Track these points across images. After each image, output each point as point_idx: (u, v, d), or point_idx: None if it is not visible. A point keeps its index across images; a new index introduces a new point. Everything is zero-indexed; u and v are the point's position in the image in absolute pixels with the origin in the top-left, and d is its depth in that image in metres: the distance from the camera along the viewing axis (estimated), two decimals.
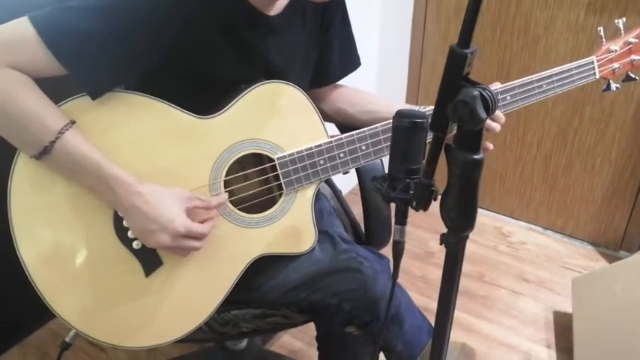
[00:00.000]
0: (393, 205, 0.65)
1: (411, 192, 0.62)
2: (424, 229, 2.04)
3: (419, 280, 1.83)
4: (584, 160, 1.95)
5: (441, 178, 0.55)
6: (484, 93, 0.50)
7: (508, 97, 0.96)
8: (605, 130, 1.86)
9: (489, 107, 0.51)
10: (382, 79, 2.14)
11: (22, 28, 0.69)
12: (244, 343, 1.43)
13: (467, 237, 0.59)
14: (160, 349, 1.45)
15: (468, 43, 0.49)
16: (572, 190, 2.02)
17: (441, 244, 0.59)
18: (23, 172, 0.75)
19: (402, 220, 0.65)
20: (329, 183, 1.21)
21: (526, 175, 2.10)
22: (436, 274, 1.79)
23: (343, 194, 1.22)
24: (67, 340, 0.92)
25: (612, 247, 2.01)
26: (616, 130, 1.84)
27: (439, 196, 0.58)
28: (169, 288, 0.84)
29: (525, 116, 1.99)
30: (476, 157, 0.53)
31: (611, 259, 1.96)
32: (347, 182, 1.17)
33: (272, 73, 0.88)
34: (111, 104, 0.77)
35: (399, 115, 0.63)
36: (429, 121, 0.56)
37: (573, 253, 2.00)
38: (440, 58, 2.13)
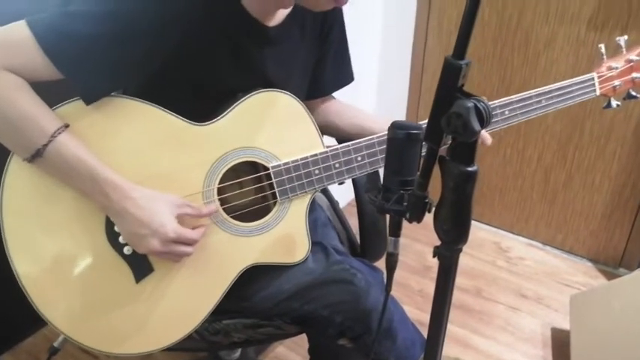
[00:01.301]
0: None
1: (405, 204, 0.61)
2: (422, 243, 2.03)
3: (416, 294, 1.81)
4: (584, 175, 1.94)
5: (436, 190, 0.54)
6: (478, 105, 0.50)
7: (507, 112, 0.96)
8: (605, 146, 1.86)
9: (484, 119, 0.50)
10: (383, 92, 2.14)
11: (19, 31, 0.69)
12: (237, 353, 1.41)
13: (460, 250, 0.58)
14: (152, 357, 1.44)
15: (463, 54, 0.49)
16: (571, 205, 2.01)
17: (434, 256, 0.59)
18: (16, 175, 0.75)
19: (396, 232, 0.65)
20: (326, 194, 1.20)
21: (526, 190, 2.09)
22: (434, 289, 1.78)
23: (341, 206, 1.22)
24: (55, 345, 0.91)
25: (612, 265, 2.00)
26: (616, 146, 1.84)
27: (434, 208, 0.58)
28: (160, 295, 0.83)
29: (525, 130, 1.99)
30: (469, 169, 0.52)
31: (611, 276, 1.94)
32: (345, 194, 1.17)
33: (269, 83, 0.88)
34: (105, 109, 0.77)
35: (394, 126, 0.62)
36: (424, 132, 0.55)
37: (572, 270, 1.98)
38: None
